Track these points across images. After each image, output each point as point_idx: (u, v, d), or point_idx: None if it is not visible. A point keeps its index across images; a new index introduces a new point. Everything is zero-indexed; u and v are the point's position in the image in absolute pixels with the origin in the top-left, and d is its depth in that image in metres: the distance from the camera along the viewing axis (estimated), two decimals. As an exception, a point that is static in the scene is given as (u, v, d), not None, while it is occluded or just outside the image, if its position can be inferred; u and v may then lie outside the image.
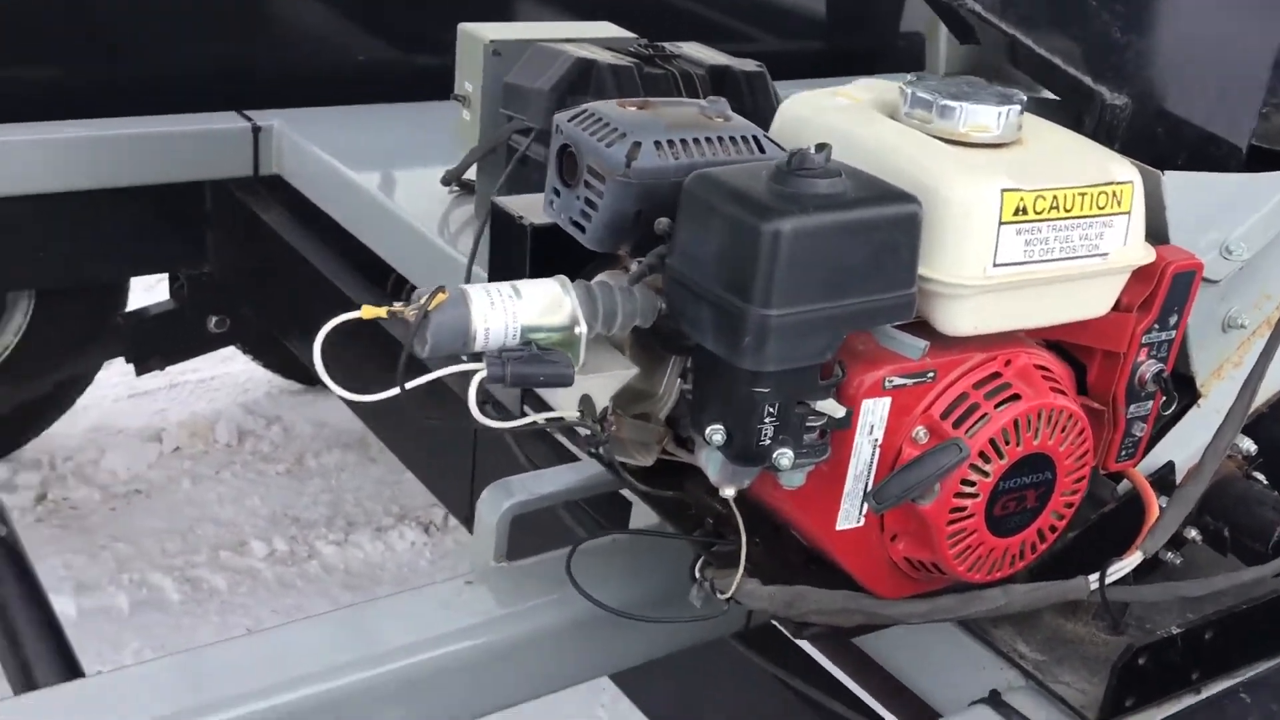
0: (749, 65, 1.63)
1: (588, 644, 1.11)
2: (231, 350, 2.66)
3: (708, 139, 0.91)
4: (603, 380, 0.89)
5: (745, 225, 0.80)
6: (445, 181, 1.91)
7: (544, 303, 0.84)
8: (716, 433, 0.85)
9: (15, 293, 2.34)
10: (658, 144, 0.89)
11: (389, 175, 2.04)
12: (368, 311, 0.81)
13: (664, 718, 1.37)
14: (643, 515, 1.23)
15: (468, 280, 1.65)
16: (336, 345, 2.30)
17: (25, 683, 1.48)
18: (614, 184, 0.89)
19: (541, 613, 1.09)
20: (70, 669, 1.50)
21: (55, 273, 2.26)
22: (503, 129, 1.70)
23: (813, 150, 0.82)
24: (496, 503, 1.10)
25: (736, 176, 0.85)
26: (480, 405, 0.84)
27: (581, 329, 0.83)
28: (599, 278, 0.90)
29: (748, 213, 0.81)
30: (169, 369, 2.52)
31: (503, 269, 1.05)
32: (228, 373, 2.91)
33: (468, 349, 0.81)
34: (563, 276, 0.87)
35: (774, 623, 1.10)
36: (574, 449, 1.39)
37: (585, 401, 0.89)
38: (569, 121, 0.96)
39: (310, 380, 2.84)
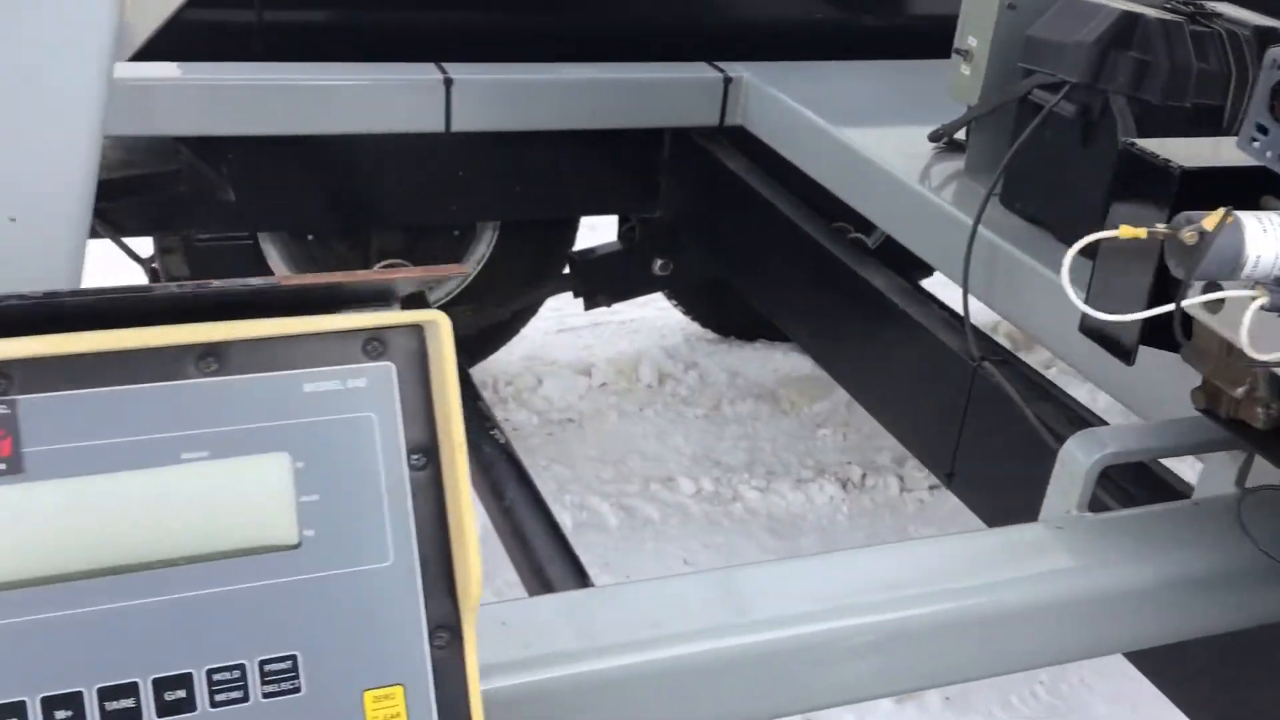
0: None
1: (1169, 608, 1.07)
2: (648, 296, 2.76)
3: None
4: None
5: None
6: (934, 137, 1.90)
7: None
8: None
9: (482, 224, 2.52)
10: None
11: (865, 129, 2.04)
12: (1126, 231, 0.80)
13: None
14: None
15: (971, 243, 1.63)
16: (799, 293, 2.33)
17: (540, 584, 1.59)
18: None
19: (1125, 569, 1.06)
20: (579, 574, 1.60)
21: (518, 207, 2.42)
22: (1019, 84, 1.66)
23: None
24: (1087, 452, 1.07)
25: None
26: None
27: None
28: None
29: None
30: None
31: (1133, 217, 1.02)
32: (643, 316, 3.02)
33: (1234, 276, 0.79)
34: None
35: None
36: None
37: None
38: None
39: (725, 330, 2.91)
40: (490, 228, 2.53)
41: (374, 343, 0.70)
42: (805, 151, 2.09)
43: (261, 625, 0.68)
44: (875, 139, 1.99)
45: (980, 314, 1.69)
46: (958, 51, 1.83)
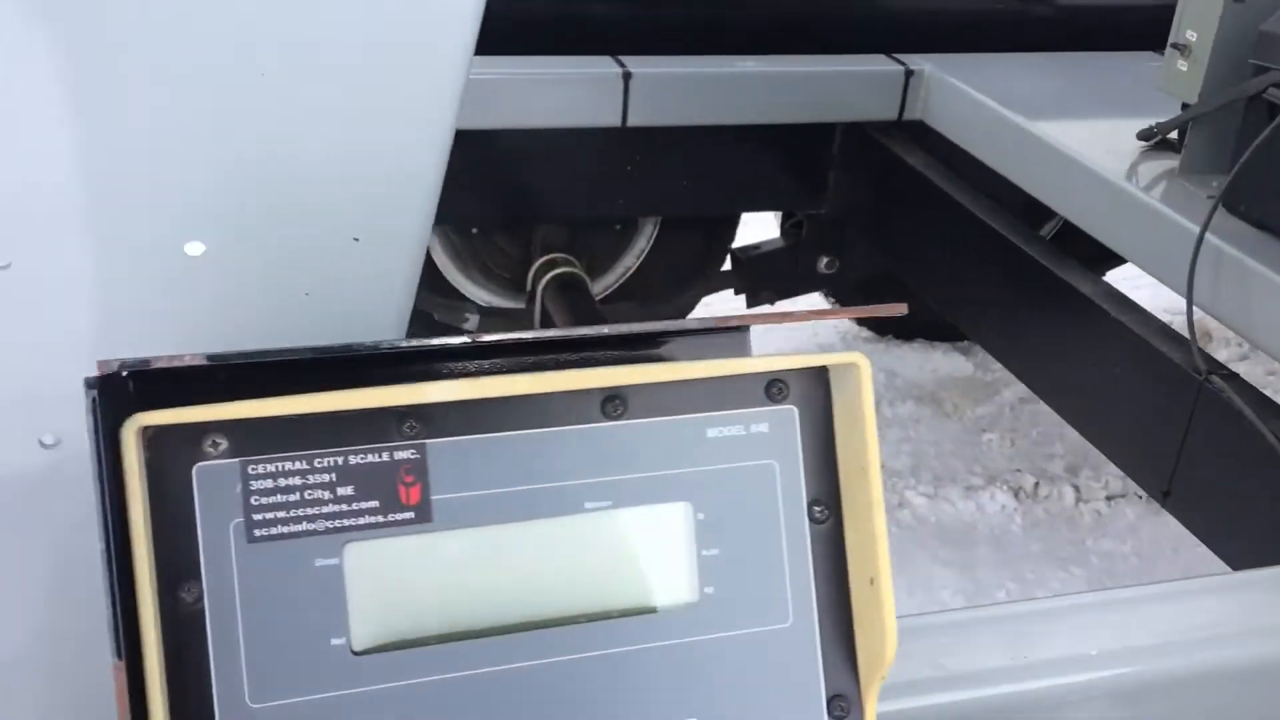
0: None
1: None
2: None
3: None
4: None
5: None
6: (1145, 135, 1.81)
7: None
8: None
9: (644, 218, 2.47)
10: None
11: (1062, 124, 1.96)
12: None
13: None
14: None
15: (1197, 250, 1.55)
16: (988, 295, 2.24)
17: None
18: None
19: None
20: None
21: (684, 202, 2.37)
22: (1250, 81, 1.58)
23: None
24: None
25: None
26: None
27: None
28: None
29: None
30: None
31: None
32: (792, 313, 2.96)
33: None
34: None
35: None
36: None
37: None
38: None
39: (882, 329, 2.84)
40: (651, 223, 2.48)
41: (778, 385, 0.65)
42: (996, 148, 2.01)
43: (658, 690, 0.64)
44: (1075, 135, 1.90)
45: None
46: (1175, 46, 1.75)
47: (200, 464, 0.58)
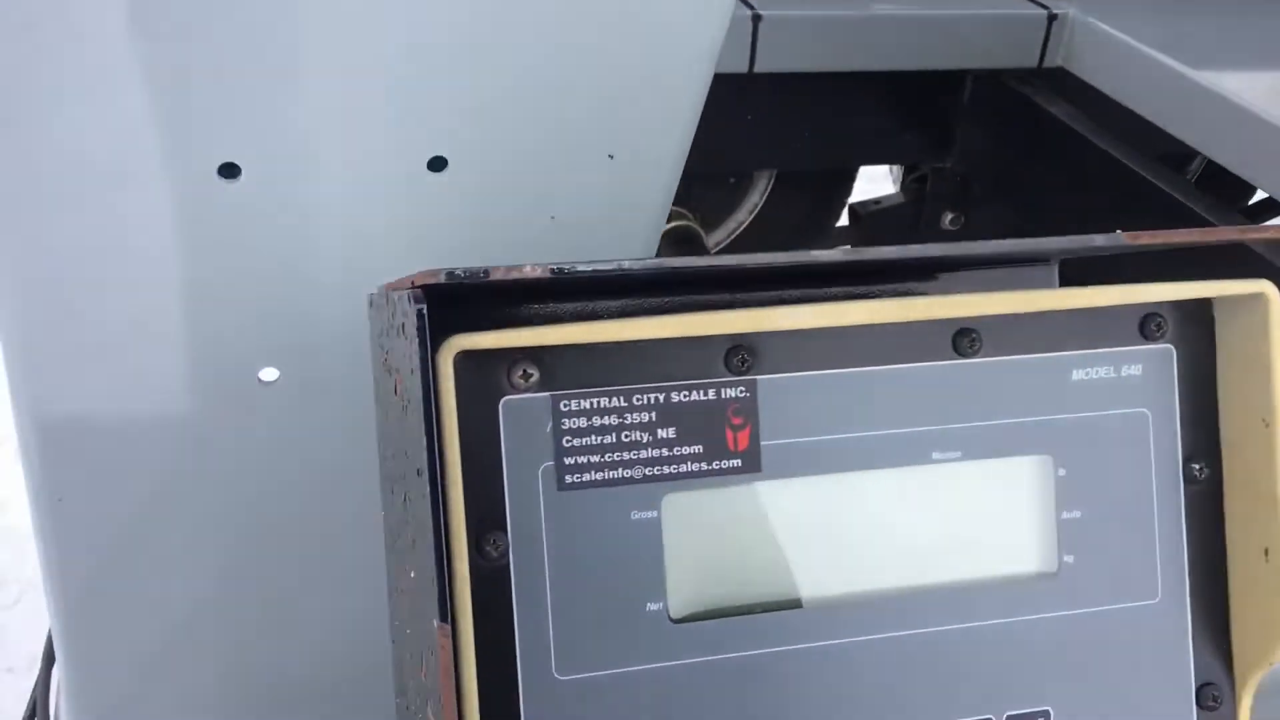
0: None
1: None
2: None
3: None
4: None
5: None
6: (1331, 84, 1.69)
7: None
8: None
9: (758, 172, 2.37)
10: None
11: (1230, 75, 1.83)
12: None
13: None
14: None
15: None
16: None
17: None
18: None
19: None
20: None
21: (798, 155, 2.26)
22: None
23: None
24: None
25: None
26: None
27: None
28: None
29: None
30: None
31: None
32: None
33: None
34: None
35: None
36: None
37: None
38: None
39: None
40: (765, 176, 2.38)
41: (1156, 319, 0.56)
42: (1155, 99, 1.89)
43: (1009, 671, 0.55)
44: (1247, 87, 1.78)
45: None
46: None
47: (508, 397, 0.50)
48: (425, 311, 0.44)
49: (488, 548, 0.50)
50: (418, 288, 0.44)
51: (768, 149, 2.28)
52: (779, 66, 2.06)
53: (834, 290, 0.56)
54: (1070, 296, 0.55)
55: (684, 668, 0.52)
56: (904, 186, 2.41)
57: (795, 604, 0.53)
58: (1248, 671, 0.57)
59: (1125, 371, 0.56)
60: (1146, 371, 0.56)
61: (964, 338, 0.54)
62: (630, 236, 0.70)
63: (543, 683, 0.51)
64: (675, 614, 0.52)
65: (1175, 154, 1.86)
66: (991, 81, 2.19)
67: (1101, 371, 0.56)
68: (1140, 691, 0.57)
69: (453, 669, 0.44)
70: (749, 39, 2.01)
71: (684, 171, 2.61)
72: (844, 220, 2.46)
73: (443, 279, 0.43)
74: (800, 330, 0.52)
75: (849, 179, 2.43)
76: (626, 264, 0.47)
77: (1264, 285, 0.54)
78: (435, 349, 0.47)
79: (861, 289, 0.57)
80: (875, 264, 0.55)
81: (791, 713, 0.53)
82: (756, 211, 2.42)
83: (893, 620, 0.54)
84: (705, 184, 2.32)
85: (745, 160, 2.28)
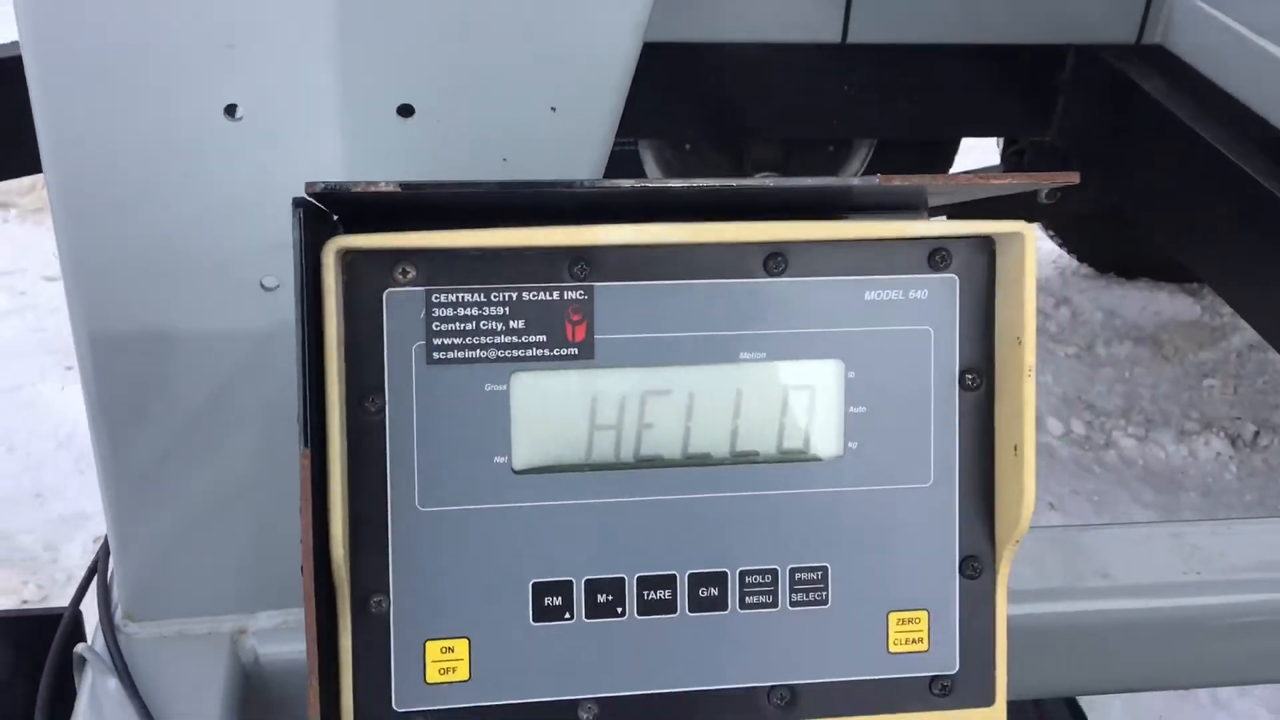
0: None
1: None
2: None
3: None
4: None
5: None
6: None
7: None
8: None
9: (859, 140, 2.45)
10: None
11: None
12: None
13: None
14: None
15: None
16: (1228, 239, 2.12)
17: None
18: None
19: None
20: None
21: (901, 124, 2.33)
22: None
23: None
24: None
25: None
26: None
27: None
28: None
29: None
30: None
31: None
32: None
33: None
34: None
35: None
36: None
37: None
38: None
39: (1104, 266, 2.74)
40: (866, 145, 2.46)
41: (941, 253, 0.66)
42: (1253, 82, 1.89)
43: (796, 533, 0.67)
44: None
45: None
46: None
47: (390, 289, 0.64)
48: (303, 216, 0.58)
49: (367, 404, 0.65)
50: (299, 198, 0.58)
51: (867, 118, 2.35)
52: (871, 38, 2.14)
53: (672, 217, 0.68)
54: (867, 228, 0.66)
55: (522, 510, 0.66)
56: (1003, 159, 2.45)
57: (616, 466, 0.66)
58: (1005, 544, 0.67)
59: (912, 295, 0.66)
60: (932, 296, 0.66)
61: (772, 259, 0.66)
62: (573, 177, 0.83)
63: (407, 511, 0.65)
64: (517, 466, 0.66)
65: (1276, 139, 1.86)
66: (1091, 57, 2.21)
67: (891, 294, 0.66)
68: (911, 560, 0.67)
69: (309, 486, 0.59)
70: (843, 9, 2.10)
71: (782, 137, 2.70)
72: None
73: (319, 188, 0.58)
74: (633, 246, 0.65)
75: (950, 150, 2.48)
76: (471, 183, 0.60)
77: (1023, 226, 0.64)
78: (321, 248, 0.62)
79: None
80: (705, 191, 0.66)
81: (606, 551, 0.66)
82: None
83: (700, 484, 0.66)
84: (804, 150, 2.41)
85: (844, 128, 2.36)
